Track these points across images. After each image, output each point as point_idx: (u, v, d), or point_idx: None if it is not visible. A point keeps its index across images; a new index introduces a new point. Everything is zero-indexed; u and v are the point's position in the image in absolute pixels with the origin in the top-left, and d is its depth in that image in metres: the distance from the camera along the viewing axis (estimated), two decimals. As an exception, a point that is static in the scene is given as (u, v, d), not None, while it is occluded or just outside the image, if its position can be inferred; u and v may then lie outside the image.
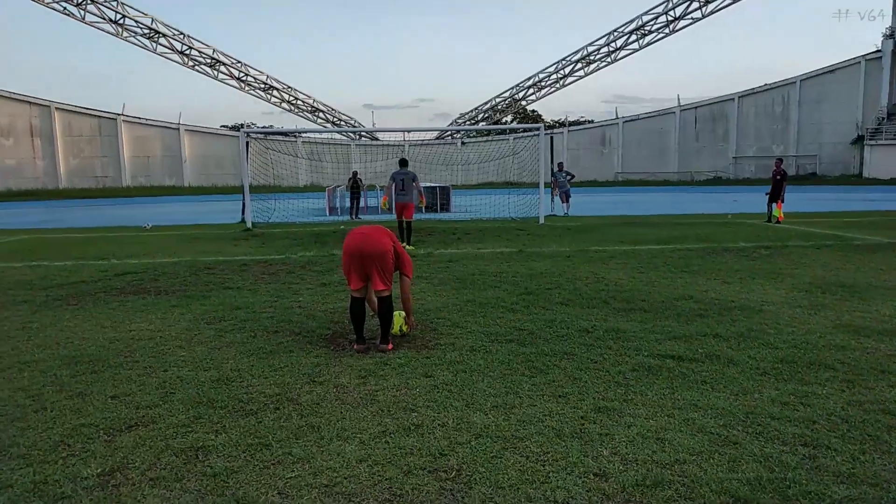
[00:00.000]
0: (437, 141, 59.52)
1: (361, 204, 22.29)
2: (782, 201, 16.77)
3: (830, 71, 48.07)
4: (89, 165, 53.52)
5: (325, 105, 63.33)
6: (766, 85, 51.32)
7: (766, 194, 17.26)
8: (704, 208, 22.64)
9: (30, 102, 52.12)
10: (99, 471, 3.21)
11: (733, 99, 52.44)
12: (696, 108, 54.42)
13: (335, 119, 64.21)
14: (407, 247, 12.67)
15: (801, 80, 49.26)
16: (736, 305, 6.79)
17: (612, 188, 46.61)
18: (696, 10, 50.00)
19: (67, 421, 3.88)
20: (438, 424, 3.74)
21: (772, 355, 5.00)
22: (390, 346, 5.35)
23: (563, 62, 57.82)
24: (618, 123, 57.60)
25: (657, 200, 29.12)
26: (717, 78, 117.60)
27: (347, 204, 22.26)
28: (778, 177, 16.87)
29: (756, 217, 18.11)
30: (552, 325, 6.04)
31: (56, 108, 52.48)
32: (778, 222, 16.41)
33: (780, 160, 17.78)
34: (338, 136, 62.08)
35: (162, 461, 3.32)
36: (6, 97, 51.52)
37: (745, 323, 6.04)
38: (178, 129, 55.43)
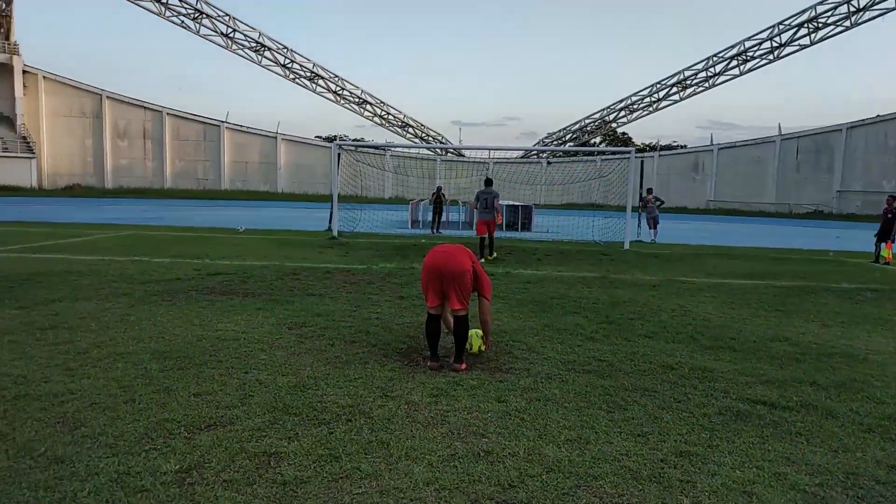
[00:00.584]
0: (521, 160, 59.39)
1: (443, 219, 22.48)
2: (893, 241, 15.55)
3: (954, 103, 44.44)
4: (192, 168, 57.00)
5: (414, 121, 64.65)
6: (878, 116, 48.05)
7: (875, 234, 16.07)
8: (803, 243, 21.34)
9: (144, 107, 56.22)
10: (177, 467, 3.32)
11: (841, 130, 49.41)
12: (798, 137, 51.69)
13: (423, 135, 65.36)
14: (486, 260, 13.09)
15: (919, 112, 45.81)
16: (837, 352, 6.30)
17: (704, 216, 44.85)
18: (804, 36, 47.61)
19: (153, 415, 4.05)
20: (509, 453, 3.64)
21: (877, 410, 4.59)
22: (464, 365, 5.29)
23: (658, 85, 56.47)
24: (712, 150, 55.55)
25: (751, 232, 27.72)
26: (822, 107, 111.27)
27: (430, 218, 22.52)
28: (889, 215, 15.66)
29: (861, 256, 16.87)
30: (634, 358, 5.80)
31: (167, 113, 56.33)
32: (886, 263, 15.22)
33: (893, 197, 16.49)
34: (425, 151, 63.13)
35: (236, 464, 3.39)
36: (125, 102, 55.81)
37: (846, 372, 5.58)
38: (276, 137, 58.13)
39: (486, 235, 13.74)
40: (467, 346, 5.58)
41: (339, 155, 19.65)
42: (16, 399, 4.25)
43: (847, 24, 45.52)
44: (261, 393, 4.52)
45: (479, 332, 5.72)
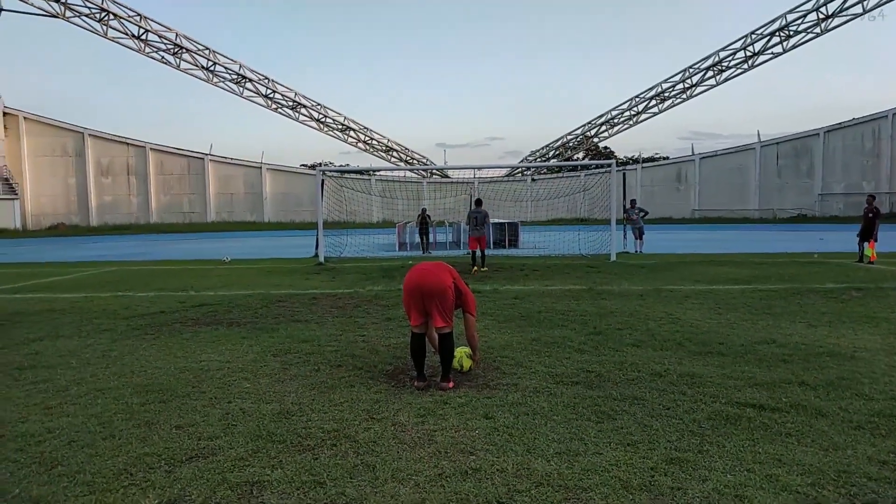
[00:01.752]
0: (506, 178, 59.75)
1: (430, 240, 22.52)
2: (875, 240, 15.69)
3: (927, 103, 45.29)
4: (178, 202, 56.83)
5: (398, 144, 64.98)
6: (854, 119, 48.88)
7: (858, 234, 16.21)
8: (788, 247, 21.50)
9: (127, 143, 56.14)
10: (156, 502, 3.23)
11: (818, 134, 50.18)
12: (777, 143, 52.42)
13: (408, 158, 65.66)
14: (482, 269, 14.49)
15: (892, 114, 46.63)
16: (824, 351, 6.30)
17: (689, 225, 45.15)
18: (776, 44, 48.50)
19: (133, 449, 3.95)
20: (497, 470, 3.57)
21: (866, 407, 4.57)
22: (451, 383, 5.23)
23: (637, 99, 57.21)
24: (694, 160, 56.17)
25: (737, 238, 27.91)
26: (800, 113, 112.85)
27: (417, 239, 22.57)
28: (870, 214, 15.83)
29: (845, 256, 17.00)
30: (622, 367, 5.76)
31: (150, 148, 56.29)
32: (870, 262, 15.33)
33: (873, 197, 16.71)
34: (410, 173, 63.34)
35: (218, 495, 3.30)
36: (107, 139, 55.70)
37: (834, 370, 5.57)
38: (261, 167, 58.15)
39: (478, 250, 14.83)
40: (458, 366, 5.53)
41: (322, 181, 19.64)
42: (-9, 441, 4.15)
43: (817, 30, 46.47)
44: (244, 422, 4.43)
45: (468, 350, 5.67)
